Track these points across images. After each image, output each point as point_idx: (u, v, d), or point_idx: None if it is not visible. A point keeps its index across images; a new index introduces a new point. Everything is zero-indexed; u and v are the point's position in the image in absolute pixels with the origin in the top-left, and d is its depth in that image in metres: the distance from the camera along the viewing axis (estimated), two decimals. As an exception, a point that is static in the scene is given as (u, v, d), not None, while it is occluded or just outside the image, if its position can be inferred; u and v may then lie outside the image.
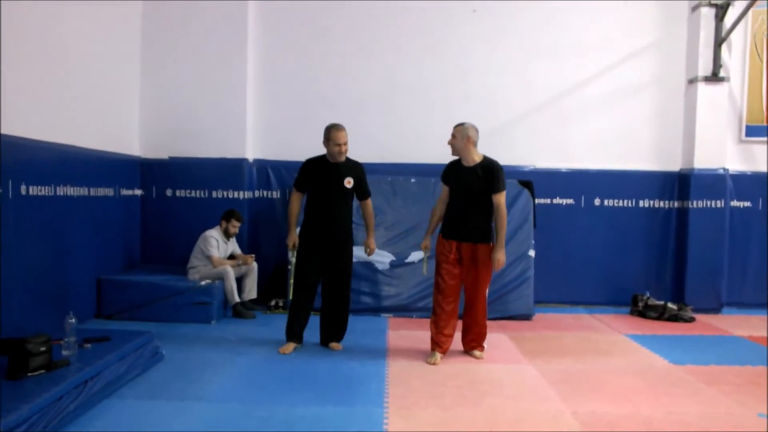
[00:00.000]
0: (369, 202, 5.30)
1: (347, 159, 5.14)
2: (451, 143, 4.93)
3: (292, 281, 5.12)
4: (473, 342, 5.12)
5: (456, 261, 4.93)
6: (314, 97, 7.30)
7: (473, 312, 5.05)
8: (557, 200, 7.38)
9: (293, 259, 5.18)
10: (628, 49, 7.39)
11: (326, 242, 5.09)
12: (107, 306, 6.14)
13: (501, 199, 4.85)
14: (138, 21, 7.03)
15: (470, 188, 4.83)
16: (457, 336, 5.14)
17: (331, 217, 5.09)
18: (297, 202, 5.24)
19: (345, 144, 5.02)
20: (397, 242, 6.79)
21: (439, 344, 4.96)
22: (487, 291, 5.05)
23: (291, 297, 5.12)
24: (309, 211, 5.18)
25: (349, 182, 5.10)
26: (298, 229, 5.23)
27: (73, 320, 4.01)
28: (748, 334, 6.10)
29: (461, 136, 4.87)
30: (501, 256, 4.81)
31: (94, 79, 6.06)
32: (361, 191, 5.23)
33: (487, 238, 4.91)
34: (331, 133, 5.00)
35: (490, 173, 4.83)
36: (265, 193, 7.35)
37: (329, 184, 5.07)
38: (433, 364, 4.84)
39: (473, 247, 4.88)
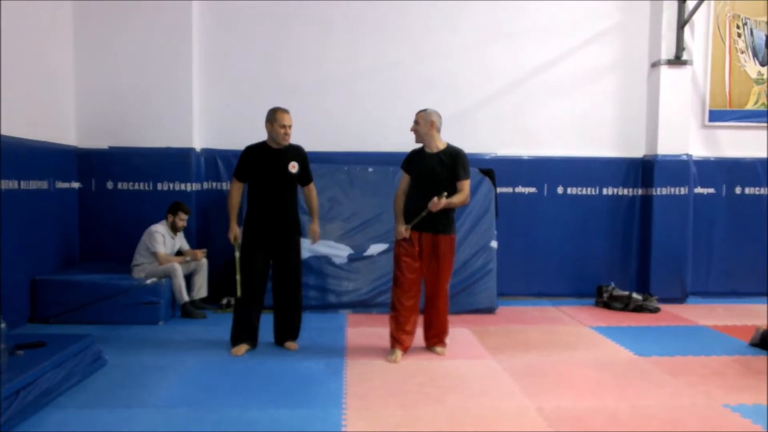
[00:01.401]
0: (312, 186, 5.27)
1: (288, 143, 5.10)
2: (414, 129, 4.95)
3: (238, 277, 5.03)
4: (435, 338, 5.14)
5: (417, 254, 4.92)
6: (266, 81, 7.19)
7: (434, 307, 5.06)
8: (519, 189, 7.44)
9: (237, 253, 5.10)
10: (589, 31, 7.48)
11: (273, 234, 5.03)
12: (43, 308, 5.96)
13: (466, 186, 4.91)
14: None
15: (434, 176, 4.84)
16: (419, 332, 5.15)
17: (278, 207, 5.03)
18: (237, 193, 5.16)
19: (290, 126, 5.00)
20: (354, 234, 6.76)
21: (399, 341, 4.96)
22: (448, 284, 5.06)
23: (239, 293, 5.03)
24: (252, 202, 5.10)
25: (293, 167, 5.05)
26: (241, 228, 5.16)
27: (3, 325, 3.83)
28: (713, 323, 6.27)
29: (424, 121, 4.89)
30: (439, 203, 4.73)
31: (22, 61, 5.84)
32: (305, 176, 5.18)
33: (448, 229, 4.93)
34: (276, 114, 4.97)
35: (455, 160, 4.87)
36: (214, 184, 7.23)
37: (273, 170, 5.01)
38: (394, 362, 4.84)
39: (434, 238, 4.89)
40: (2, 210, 5.40)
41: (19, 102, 5.79)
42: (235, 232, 5.11)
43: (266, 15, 7.20)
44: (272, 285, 5.18)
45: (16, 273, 5.70)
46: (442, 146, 4.94)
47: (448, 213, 4.92)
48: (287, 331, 5.21)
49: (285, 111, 5.01)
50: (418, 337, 5.16)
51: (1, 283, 5.37)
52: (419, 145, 5.02)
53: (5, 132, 5.48)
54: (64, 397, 3.99)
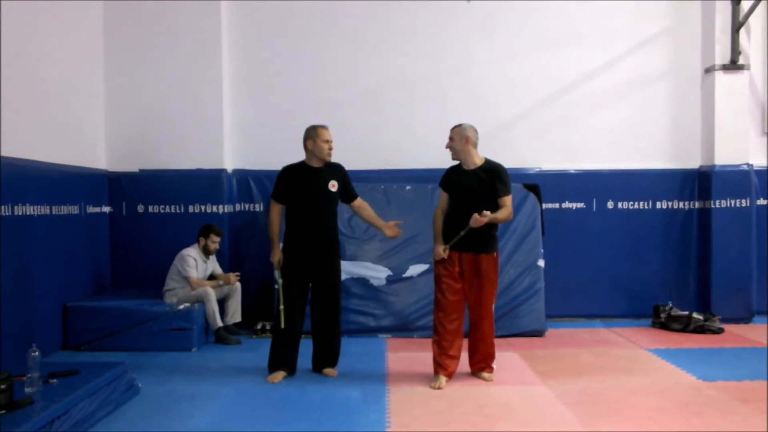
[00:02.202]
0: (361, 200, 5.31)
1: (326, 162, 5.12)
2: (450, 146, 4.94)
3: (282, 307, 5.02)
4: (481, 363, 5.06)
5: (458, 274, 4.88)
6: (297, 99, 7.27)
7: (479, 330, 4.99)
8: (566, 204, 7.35)
9: (279, 279, 5.11)
10: (638, 37, 7.41)
11: (313, 256, 5.04)
12: (75, 336, 6.05)
13: (508, 201, 4.86)
14: (100, 21, 6.99)
15: (472, 193, 4.81)
16: (464, 357, 5.08)
17: (318, 227, 5.05)
18: (277, 215, 5.19)
19: (331, 142, 5.05)
20: (393, 255, 6.74)
21: (443, 366, 4.90)
22: (493, 306, 5.00)
23: (283, 324, 5.02)
24: (291, 224, 5.13)
25: (333, 185, 5.08)
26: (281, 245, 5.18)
27: (37, 353, 3.92)
28: (781, 344, 6.07)
29: (459, 137, 4.88)
30: (482, 219, 4.65)
31: (53, 85, 6.01)
32: (348, 193, 5.22)
33: (490, 248, 4.88)
34: (318, 130, 5.03)
35: (493, 176, 4.83)
36: (246, 206, 7.30)
37: (313, 190, 5.04)
38: (438, 388, 4.78)
39: (475, 257, 4.85)
40: (34, 236, 5.52)
41: (49, 127, 5.95)
42: (279, 255, 5.12)
43: (296, 32, 7.30)
44: (311, 309, 5.18)
45: (48, 299, 5.82)
46: (479, 162, 4.91)
47: (490, 231, 4.87)
48: (326, 358, 5.20)
49: (326, 127, 5.08)
50: (464, 362, 5.09)
51: (33, 309, 5.49)
52: (457, 162, 5.00)
53: (36, 157, 5.62)
54: (98, 426, 4.03)
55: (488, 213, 4.69)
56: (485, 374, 5.04)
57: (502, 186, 4.84)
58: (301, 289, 5.10)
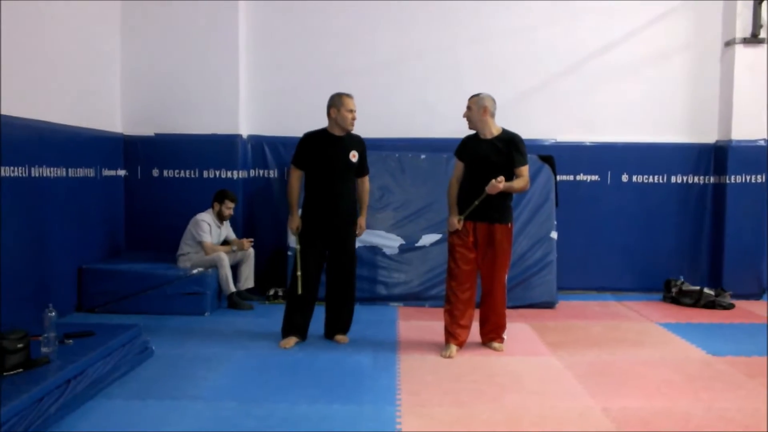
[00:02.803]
0: (367, 179, 5.30)
1: (348, 132, 5.10)
2: (467, 116, 4.91)
3: (299, 273, 5.03)
4: (492, 333, 5.08)
5: (472, 244, 4.87)
6: (314, 65, 7.23)
7: (491, 300, 5.00)
8: (581, 177, 7.30)
9: (297, 246, 5.12)
10: (657, 9, 7.29)
11: (331, 225, 5.05)
12: (90, 298, 6.11)
13: (525, 171, 4.84)
14: (117, -14, 6.94)
15: (489, 162, 4.78)
16: (475, 327, 5.09)
17: (337, 196, 5.05)
18: (297, 181, 5.19)
19: (355, 111, 5.02)
20: (406, 224, 6.74)
21: (454, 336, 4.92)
22: (506, 277, 5.00)
23: (300, 290, 5.04)
24: (310, 191, 5.12)
25: (354, 156, 5.07)
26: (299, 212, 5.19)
27: (53, 314, 3.95)
28: (792, 321, 6.05)
29: (477, 107, 4.84)
30: (498, 185, 4.65)
31: (69, 48, 5.99)
32: (362, 168, 5.20)
33: (505, 218, 4.86)
34: (343, 99, 4.99)
35: (510, 145, 4.80)
36: (261, 172, 7.30)
37: (334, 159, 5.03)
38: (449, 357, 4.80)
39: (490, 227, 4.83)
40: (49, 198, 5.54)
41: (66, 90, 5.95)
42: (298, 221, 5.13)
43: (313, 1, 7.20)
44: (326, 277, 5.21)
45: (64, 261, 5.87)
46: (496, 132, 4.87)
47: (505, 201, 4.86)
48: (338, 324, 5.23)
49: (350, 96, 5.04)
50: (474, 332, 5.10)
51: (48, 271, 5.54)
52: (473, 132, 4.96)
53: (53, 119, 5.62)
54: (113, 387, 4.07)
55: (503, 178, 4.67)
56: (495, 344, 5.05)
57: (519, 156, 4.80)
58: (317, 257, 5.11)
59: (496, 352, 4.99)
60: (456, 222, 4.87)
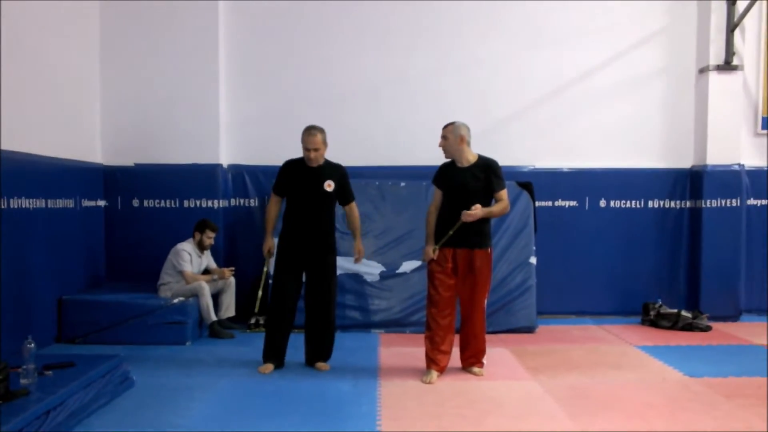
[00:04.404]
0: (354, 205, 5.39)
1: (327, 161, 5.22)
2: (443, 145, 4.99)
3: (260, 293, 5.14)
4: (472, 358, 5.15)
5: (451, 270, 4.96)
6: (294, 94, 7.34)
7: (471, 325, 5.07)
8: (559, 202, 7.44)
9: (266, 268, 5.22)
10: (633, 36, 7.49)
11: (307, 252, 5.14)
12: (70, 328, 6.11)
13: (504, 195, 4.96)
14: (97, 14, 7.04)
15: (467, 190, 4.87)
16: (455, 352, 5.16)
17: (312, 224, 5.14)
18: (275, 207, 5.31)
19: (316, 150, 5.07)
20: (387, 251, 6.82)
21: (435, 362, 4.98)
22: (485, 302, 5.08)
23: (259, 311, 5.14)
24: (288, 218, 5.23)
25: (329, 185, 5.15)
26: (276, 240, 5.28)
27: (32, 345, 3.98)
28: (769, 342, 6.17)
29: (453, 136, 4.92)
30: (476, 212, 4.76)
31: (47, 78, 6.06)
32: (344, 195, 5.30)
33: (484, 243, 4.96)
34: (303, 137, 5.10)
35: (488, 171, 4.90)
36: (241, 201, 7.36)
37: (309, 187, 5.13)
38: (429, 383, 4.86)
39: (470, 253, 4.91)
40: (29, 229, 5.58)
41: (46, 121, 6.01)
42: (271, 244, 5.27)
43: (293, 28, 7.36)
44: (305, 304, 5.28)
45: (43, 292, 5.88)
46: (473, 159, 4.96)
47: (483, 226, 4.94)
48: (319, 352, 5.29)
49: (310, 134, 5.08)
50: (455, 357, 5.18)
51: (28, 302, 5.55)
52: (449, 159, 5.06)
53: (32, 150, 5.68)
54: (93, 417, 4.09)
55: (479, 206, 4.77)
56: (476, 369, 5.12)
57: (498, 180, 4.91)
58: (293, 284, 5.19)
59: (476, 376, 5.06)
60: (431, 252, 4.95)
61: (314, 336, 5.29)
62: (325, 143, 5.13)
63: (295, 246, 5.15)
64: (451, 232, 4.84)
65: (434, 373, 4.94)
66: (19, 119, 5.51)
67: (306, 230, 5.14)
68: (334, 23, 7.38)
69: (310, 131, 5.09)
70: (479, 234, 4.92)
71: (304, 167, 5.16)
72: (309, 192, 5.13)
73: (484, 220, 4.91)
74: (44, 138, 5.94)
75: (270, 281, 5.29)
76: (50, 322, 6.04)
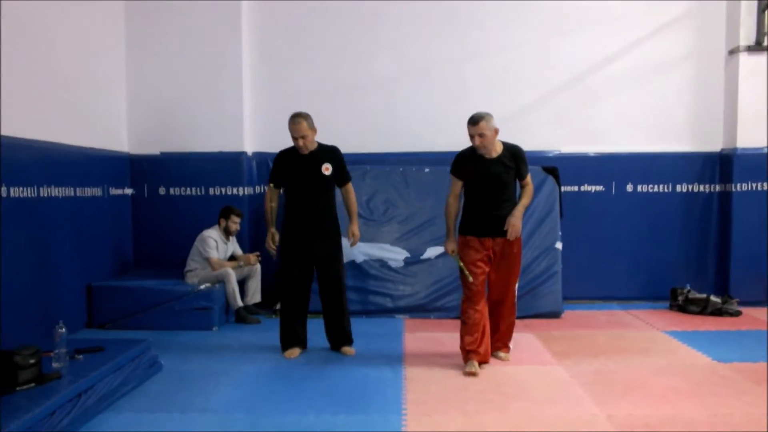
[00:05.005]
0: (350, 186, 5.35)
1: (320, 145, 5.20)
2: (482, 143, 4.70)
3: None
4: (498, 342, 5.14)
5: (487, 259, 4.89)
6: (317, 82, 7.36)
7: (502, 309, 5.05)
8: (585, 187, 7.38)
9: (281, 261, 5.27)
10: (660, 18, 7.37)
11: (311, 239, 5.15)
12: (99, 314, 6.23)
13: (530, 179, 4.93)
14: (121, 7, 7.11)
15: (500, 181, 4.78)
16: None
17: (314, 211, 5.15)
18: (273, 198, 5.30)
19: (303, 137, 5.03)
20: (411, 237, 6.83)
21: (475, 352, 4.81)
22: (516, 286, 5.06)
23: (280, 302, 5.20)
24: (289, 207, 5.25)
25: (327, 168, 5.14)
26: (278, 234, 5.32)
27: (63, 330, 4.08)
28: (800, 327, 6.09)
29: (490, 131, 4.69)
30: (517, 222, 4.75)
31: (76, 70, 6.15)
32: (340, 177, 5.27)
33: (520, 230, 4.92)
34: (289, 125, 5.07)
35: (517, 160, 4.84)
36: (266, 188, 7.35)
37: (306, 174, 5.13)
38: (474, 373, 4.70)
39: (507, 241, 4.85)
40: (59, 217, 5.68)
41: (73, 111, 6.10)
42: (274, 237, 5.24)
43: (315, 15, 7.37)
44: (319, 290, 5.32)
45: (73, 279, 6.00)
46: (500, 149, 4.84)
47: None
48: (340, 336, 5.33)
49: (295, 122, 5.03)
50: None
51: (58, 288, 5.66)
52: (467, 148, 4.89)
53: (61, 140, 5.77)
54: (122, 401, 4.18)
55: (514, 222, 4.73)
56: (502, 354, 5.12)
57: (525, 167, 4.87)
58: (303, 272, 5.22)
59: (502, 361, 5.06)
60: (449, 250, 4.92)
61: (331, 322, 5.32)
62: (312, 129, 5.09)
63: (300, 232, 5.16)
64: (463, 268, 4.80)
65: (476, 363, 4.79)
66: (47, 110, 5.61)
67: (309, 217, 5.15)
68: (355, 13, 7.36)
69: (295, 119, 5.05)
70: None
71: (298, 155, 5.15)
72: (307, 178, 5.13)
73: (514, 206, 4.84)
74: (72, 128, 6.03)
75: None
76: (80, 308, 6.16)
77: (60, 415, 3.54)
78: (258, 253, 6.75)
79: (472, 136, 4.72)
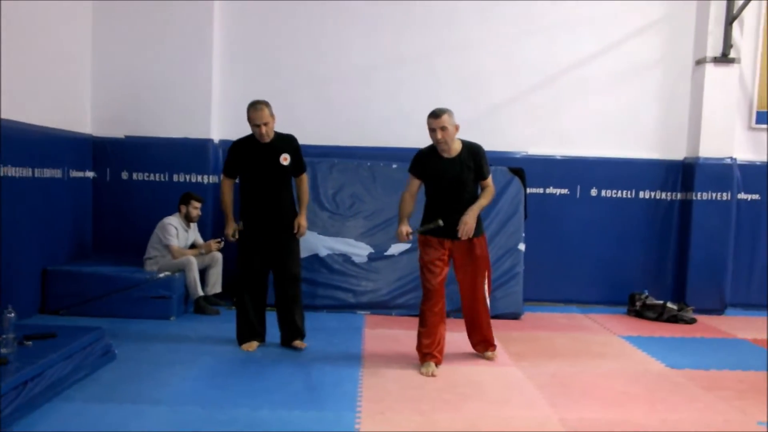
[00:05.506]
0: (304, 177, 5.27)
1: (277, 134, 5.12)
2: (444, 137, 4.62)
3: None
4: (483, 343, 5.14)
5: (447, 259, 4.87)
6: (287, 73, 7.29)
7: (476, 314, 5.04)
8: (551, 190, 7.43)
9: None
10: (630, 25, 7.43)
11: (269, 228, 5.08)
12: (54, 300, 6.10)
13: (491, 180, 4.86)
14: (91, -15, 6.96)
15: (459, 180, 4.72)
16: (461, 338, 5.19)
17: (272, 202, 5.07)
18: (229, 190, 5.20)
19: (265, 124, 4.96)
20: (376, 233, 6.81)
21: (432, 355, 4.81)
22: (485, 288, 4.99)
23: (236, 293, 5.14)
24: (245, 199, 5.14)
25: (285, 159, 5.06)
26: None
27: (12, 315, 3.97)
28: (752, 336, 6.21)
29: (452, 125, 4.64)
30: (470, 221, 4.66)
31: (39, 47, 6.00)
32: (297, 167, 5.19)
33: (480, 230, 4.89)
34: (249, 112, 4.98)
35: (477, 159, 4.77)
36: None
37: (264, 164, 5.04)
38: (432, 375, 4.68)
39: (468, 243, 4.82)
40: (14, 198, 5.54)
41: (34, 89, 5.95)
42: (233, 227, 5.17)
43: (288, 5, 7.27)
44: (274, 282, 5.24)
45: (28, 262, 5.86)
46: (459, 147, 4.76)
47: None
48: (292, 331, 5.25)
49: (257, 108, 4.95)
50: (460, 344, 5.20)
51: (11, 272, 5.52)
52: (427, 147, 4.84)
53: (20, 119, 5.63)
54: (72, 390, 4.09)
55: (467, 219, 4.65)
56: (489, 353, 5.12)
57: (487, 167, 4.81)
58: (259, 262, 5.15)
59: (480, 362, 5.04)
60: (405, 233, 4.76)
61: (284, 313, 5.25)
62: (272, 116, 5.02)
63: (257, 223, 5.09)
64: (440, 223, 4.67)
65: (433, 365, 4.77)
66: (7, 87, 5.45)
67: (266, 207, 5.07)
68: (329, 4, 7.29)
69: (256, 106, 4.97)
70: (476, 222, 4.80)
71: (256, 144, 5.06)
72: (265, 168, 5.04)
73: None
74: (33, 106, 5.89)
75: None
76: (34, 293, 6.02)
77: (4, 402, 3.44)
78: (219, 239, 6.63)
79: (433, 130, 4.65)
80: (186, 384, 4.35)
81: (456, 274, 4.95)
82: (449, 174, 4.73)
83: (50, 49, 6.20)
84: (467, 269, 4.91)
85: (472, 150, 4.80)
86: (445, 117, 4.62)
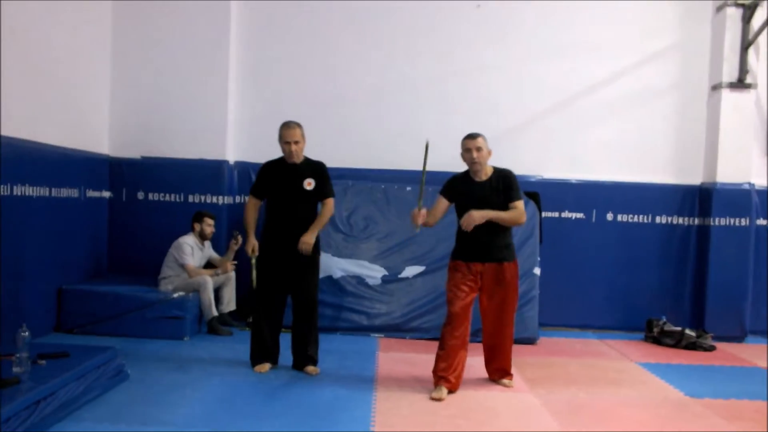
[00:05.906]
0: (330, 202, 5.23)
1: (307, 159, 5.15)
2: (480, 158, 4.74)
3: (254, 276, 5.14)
4: (500, 371, 5.07)
5: (474, 285, 4.80)
6: (302, 93, 7.31)
7: (500, 340, 4.97)
8: (566, 214, 7.37)
9: (254, 273, 5.26)
10: (646, 51, 7.41)
11: (290, 251, 5.05)
12: (68, 319, 6.09)
13: (521, 205, 4.79)
14: (109, 7, 7.04)
15: (486, 202, 4.71)
16: (478, 363, 5.12)
17: (292, 225, 5.06)
18: (254, 210, 5.23)
19: (296, 143, 5.01)
20: (389, 255, 6.77)
21: (446, 380, 4.73)
22: (514, 315, 4.95)
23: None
24: (269, 219, 5.18)
25: (309, 183, 5.08)
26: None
27: (27, 333, 3.96)
28: (772, 365, 6.08)
29: (486, 148, 4.77)
30: (477, 214, 4.61)
31: (59, 69, 6.06)
32: (323, 192, 5.18)
33: (511, 255, 4.86)
34: (281, 131, 5.06)
35: (507, 183, 4.78)
36: (246, 198, 7.21)
37: (289, 187, 5.07)
38: (440, 399, 4.61)
39: (499, 267, 4.79)
40: (32, 217, 5.56)
41: (53, 109, 6.01)
42: (254, 244, 5.18)
43: (304, 28, 7.33)
44: (292, 304, 5.21)
45: (43, 281, 5.87)
46: (490, 172, 4.84)
47: (509, 238, 4.85)
48: (305, 355, 5.19)
49: (290, 127, 5.04)
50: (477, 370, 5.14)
51: (28, 290, 5.53)
52: (463, 171, 4.89)
53: (38, 139, 5.66)
54: (83, 410, 4.06)
55: (473, 212, 4.60)
56: (505, 381, 5.04)
57: (515, 192, 4.77)
58: (278, 283, 5.13)
59: (496, 387, 4.96)
60: (418, 211, 4.71)
61: (298, 338, 5.20)
62: (303, 137, 5.07)
63: (278, 245, 5.08)
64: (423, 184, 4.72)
65: (444, 390, 4.70)
66: (26, 107, 5.51)
67: (287, 229, 5.06)
68: (343, 27, 7.34)
69: (289, 125, 5.06)
70: (507, 247, 4.82)
71: (284, 166, 5.11)
72: (289, 191, 5.07)
73: (505, 231, 4.80)
74: (51, 127, 5.93)
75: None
76: (49, 312, 6.02)
77: (15, 422, 3.42)
78: (234, 260, 6.64)
79: (468, 150, 4.75)
80: (197, 406, 4.30)
81: (480, 299, 4.88)
82: (477, 195, 4.77)
83: (69, 71, 6.26)
84: (494, 294, 4.84)
85: (502, 174, 4.84)
86: (480, 139, 4.77)
